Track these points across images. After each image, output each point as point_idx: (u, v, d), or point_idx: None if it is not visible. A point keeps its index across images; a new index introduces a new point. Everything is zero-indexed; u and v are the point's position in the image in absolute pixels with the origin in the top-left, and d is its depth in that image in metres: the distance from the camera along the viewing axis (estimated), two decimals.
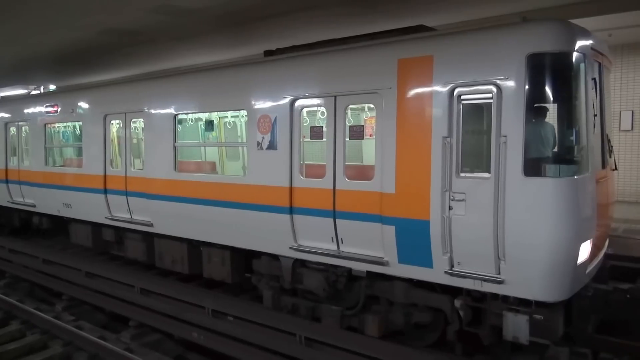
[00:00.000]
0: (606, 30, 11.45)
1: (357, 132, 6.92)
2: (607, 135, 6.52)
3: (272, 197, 7.36)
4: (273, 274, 7.95)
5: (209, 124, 9.95)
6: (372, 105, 6.63)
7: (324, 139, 6.97)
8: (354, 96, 6.64)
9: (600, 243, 6.31)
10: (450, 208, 5.74)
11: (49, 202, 12.11)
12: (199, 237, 8.74)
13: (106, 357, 7.09)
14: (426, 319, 6.60)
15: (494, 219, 5.43)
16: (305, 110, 7.17)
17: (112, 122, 10.32)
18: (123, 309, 8.81)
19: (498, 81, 5.40)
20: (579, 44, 5.39)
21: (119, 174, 10.04)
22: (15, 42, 13.91)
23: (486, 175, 5.56)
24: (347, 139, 6.80)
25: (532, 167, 5.25)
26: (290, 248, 7.29)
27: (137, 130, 10.08)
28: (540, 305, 5.46)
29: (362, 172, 7.12)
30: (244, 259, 8.62)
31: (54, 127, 12.54)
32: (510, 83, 5.33)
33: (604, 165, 6.31)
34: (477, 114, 5.89)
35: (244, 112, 8.16)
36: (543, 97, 5.52)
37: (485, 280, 5.61)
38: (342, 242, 6.79)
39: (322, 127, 7.06)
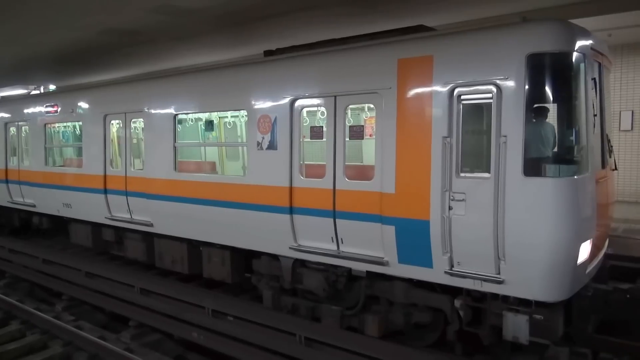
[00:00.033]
0: (606, 30, 11.45)
1: (357, 132, 6.92)
2: (607, 135, 6.52)
3: (272, 197, 7.36)
4: (273, 274, 7.95)
5: (209, 124, 9.94)
6: (372, 105, 6.62)
7: (324, 139, 6.96)
8: (354, 96, 6.64)
9: (600, 243, 6.31)
10: (450, 208, 5.74)
11: (48, 202, 12.10)
12: (199, 237, 8.74)
13: (106, 357, 7.09)
14: (426, 319, 6.60)
15: (494, 219, 5.43)
16: (305, 110, 7.17)
17: (112, 122, 10.31)
18: (123, 309, 8.81)
19: (498, 81, 5.40)
20: (579, 44, 5.39)
21: (119, 174, 10.04)
22: (15, 42, 13.90)
23: (486, 175, 5.55)
24: (347, 139, 6.79)
25: (532, 167, 5.24)
26: (290, 248, 7.29)
27: (137, 130, 10.07)
28: (540, 305, 5.46)
29: (362, 172, 7.11)
30: (244, 259, 8.62)
31: (53, 127, 12.53)
32: (510, 83, 5.33)
33: (603, 165, 6.30)
34: (477, 114, 5.88)
35: (244, 112, 8.15)
36: (543, 97, 5.51)
37: (485, 280, 5.61)
38: (342, 242, 6.79)
39: (322, 127, 7.05)
